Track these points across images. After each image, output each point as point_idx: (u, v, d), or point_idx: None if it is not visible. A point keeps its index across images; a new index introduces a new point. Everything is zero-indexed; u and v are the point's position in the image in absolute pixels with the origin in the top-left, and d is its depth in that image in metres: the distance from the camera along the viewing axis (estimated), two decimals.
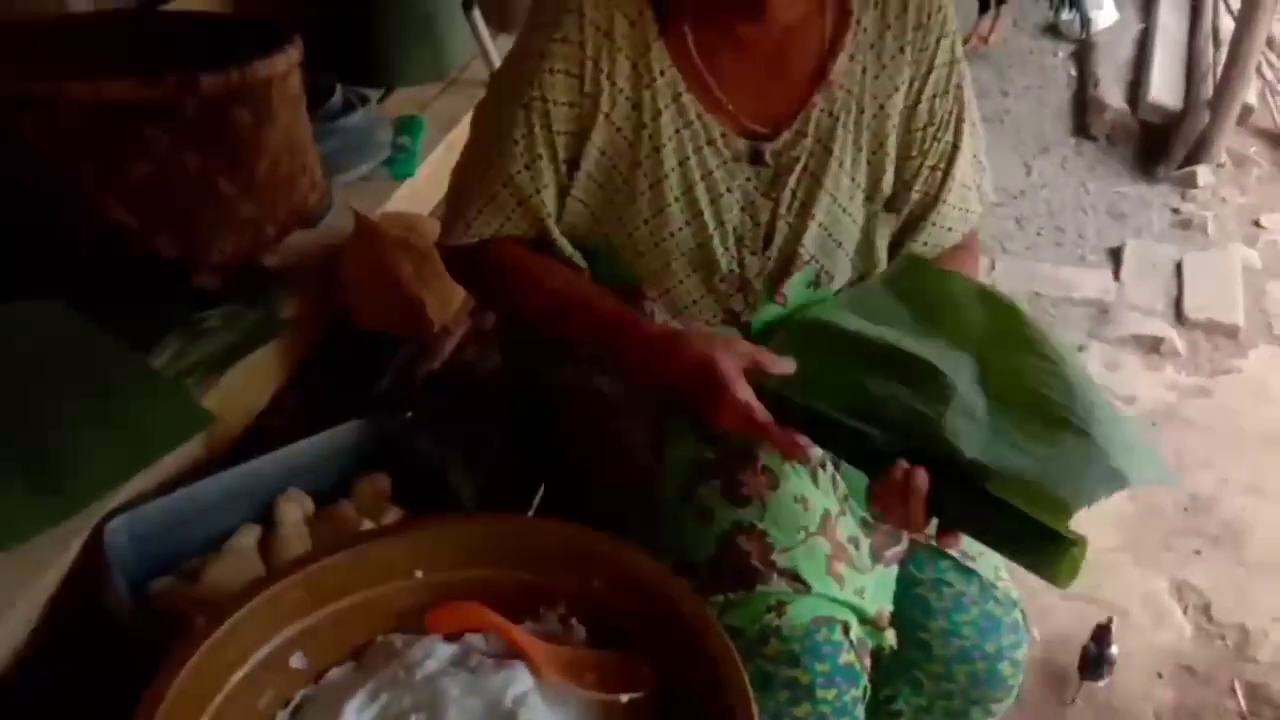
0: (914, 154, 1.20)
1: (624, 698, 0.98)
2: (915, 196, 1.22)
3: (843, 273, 1.24)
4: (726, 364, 1.04)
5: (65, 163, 1.26)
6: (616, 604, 1.04)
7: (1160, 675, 2.04)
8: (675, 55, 1.13)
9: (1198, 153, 3.52)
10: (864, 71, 1.16)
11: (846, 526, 1.15)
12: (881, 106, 1.17)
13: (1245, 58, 3.36)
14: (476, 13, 1.84)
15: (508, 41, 2.02)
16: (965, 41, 4.14)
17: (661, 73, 1.13)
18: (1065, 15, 4.26)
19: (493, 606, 1.04)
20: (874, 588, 1.14)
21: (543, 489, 1.39)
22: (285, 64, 1.34)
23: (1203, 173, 3.49)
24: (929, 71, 1.17)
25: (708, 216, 1.17)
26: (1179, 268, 3.10)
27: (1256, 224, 3.38)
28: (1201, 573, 2.23)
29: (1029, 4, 4.32)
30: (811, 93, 1.16)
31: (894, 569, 1.17)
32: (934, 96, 1.18)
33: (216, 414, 1.28)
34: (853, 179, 1.19)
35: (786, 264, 1.20)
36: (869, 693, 1.13)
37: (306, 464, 1.26)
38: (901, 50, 1.16)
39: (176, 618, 1.11)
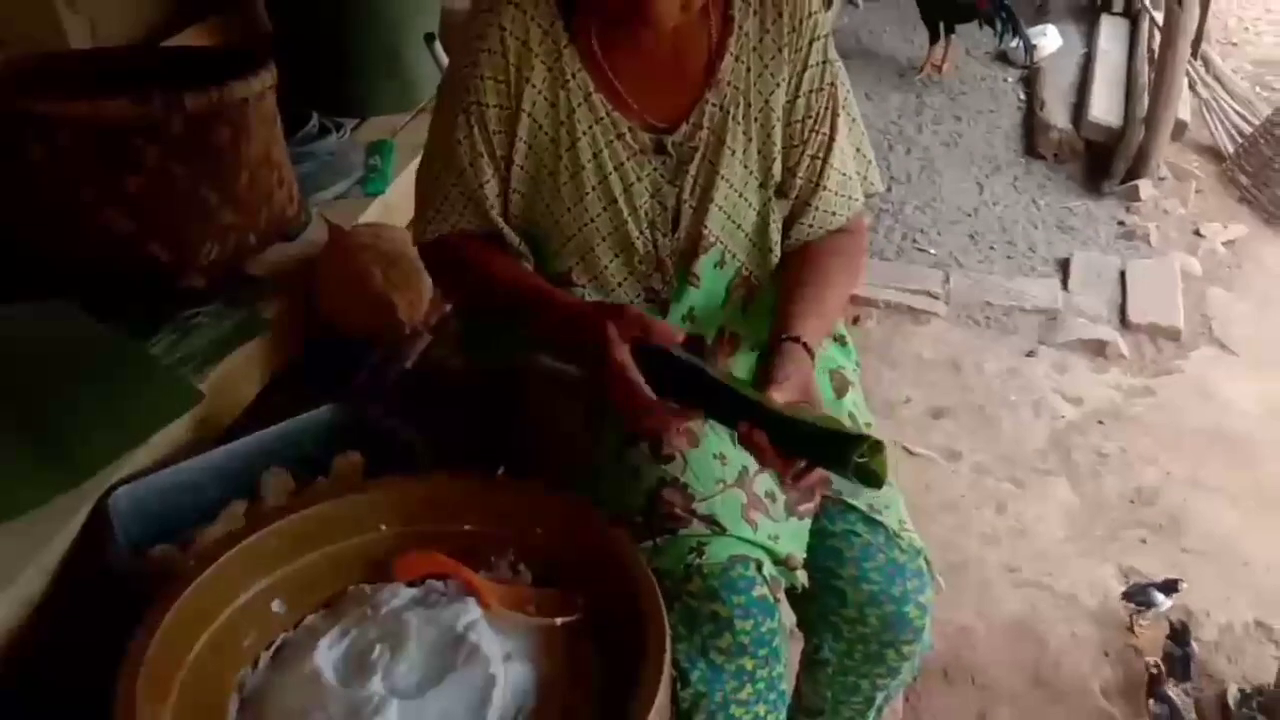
0: (796, 144, 1.34)
1: (558, 621, 1.11)
2: (799, 183, 1.36)
3: (744, 252, 1.38)
4: (611, 330, 1.13)
5: (67, 176, 1.40)
6: (555, 547, 1.17)
7: (1107, 654, 2.16)
8: (584, 60, 1.27)
9: (1138, 167, 3.70)
10: (748, 70, 1.30)
11: (764, 483, 1.28)
12: (766, 101, 1.31)
13: (1171, 75, 3.56)
14: (438, 44, 1.99)
15: None
16: (919, 69, 4.36)
17: (573, 75, 1.27)
18: (1010, 43, 4.45)
19: (449, 555, 1.16)
20: (787, 535, 1.27)
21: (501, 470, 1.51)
22: (260, 85, 1.49)
23: (1145, 186, 3.66)
24: (804, 70, 1.31)
25: (622, 203, 1.31)
26: (1123, 276, 3.26)
27: (1197, 233, 3.55)
28: (1146, 560, 2.35)
29: (979, 34, 4.50)
30: (704, 90, 1.30)
31: (807, 521, 1.30)
32: (809, 92, 1.32)
33: (208, 405, 1.42)
34: (745, 166, 1.33)
35: (694, 244, 1.34)
36: (783, 630, 1.26)
37: (287, 444, 1.39)
38: (780, 51, 1.30)
39: (172, 579, 1.24)
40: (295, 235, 1.70)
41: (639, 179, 1.31)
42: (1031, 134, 4.05)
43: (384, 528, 1.19)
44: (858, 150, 1.39)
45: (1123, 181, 3.71)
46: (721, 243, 1.35)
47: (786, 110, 1.33)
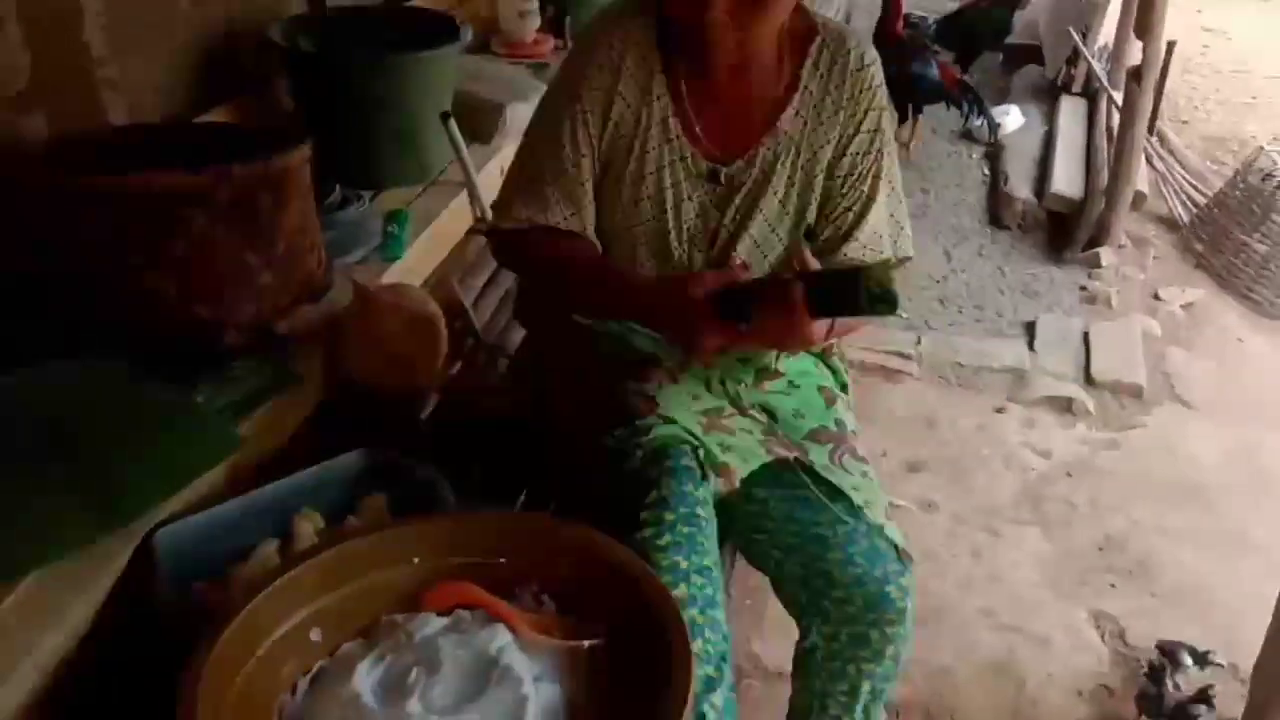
0: (836, 197, 1.48)
1: (585, 644, 1.16)
2: (831, 230, 1.50)
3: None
4: (693, 286, 1.31)
5: (118, 243, 1.47)
6: (576, 578, 1.23)
7: (1080, 693, 2.22)
8: (669, 88, 1.45)
9: (1099, 236, 3.84)
10: (805, 125, 1.46)
11: (737, 421, 1.48)
12: (814, 154, 1.46)
13: (1130, 150, 3.70)
14: (453, 122, 2.09)
15: (480, 149, 2.30)
16: None
17: (658, 97, 1.45)
18: (975, 122, 4.61)
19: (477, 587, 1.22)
20: (738, 451, 1.44)
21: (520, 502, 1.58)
22: (299, 158, 1.58)
23: (1105, 254, 3.80)
24: (855, 133, 1.46)
25: (669, 215, 1.48)
26: (1086, 337, 3.37)
27: (1156, 297, 3.68)
28: (1117, 603, 2.43)
29: (944, 114, 4.66)
30: (762, 135, 1.45)
31: (768, 457, 1.46)
32: (857, 154, 1.47)
33: (241, 454, 1.48)
34: (783, 206, 1.48)
35: (722, 263, 1.48)
36: (708, 507, 1.40)
37: (317, 487, 1.45)
38: (836, 113, 1.45)
39: (212, 614, 1.29)
40: (320, 296, 1.78)
41: (689, 198, 1.48)
42: (996, 206, 4.19)
43: (415, 561, 1.25)
44: (891, 216, 1.53)
45: (1084, 249, 3.84)
46: (745, 266, 1.48)
47: (831, 165, 1.47)
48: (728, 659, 1.32)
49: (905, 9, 4.53)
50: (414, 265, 2.00)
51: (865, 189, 1.48)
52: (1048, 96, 4.95)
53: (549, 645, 1.16)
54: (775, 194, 1.47)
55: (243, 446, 1.48)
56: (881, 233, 1.51)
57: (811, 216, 1.50)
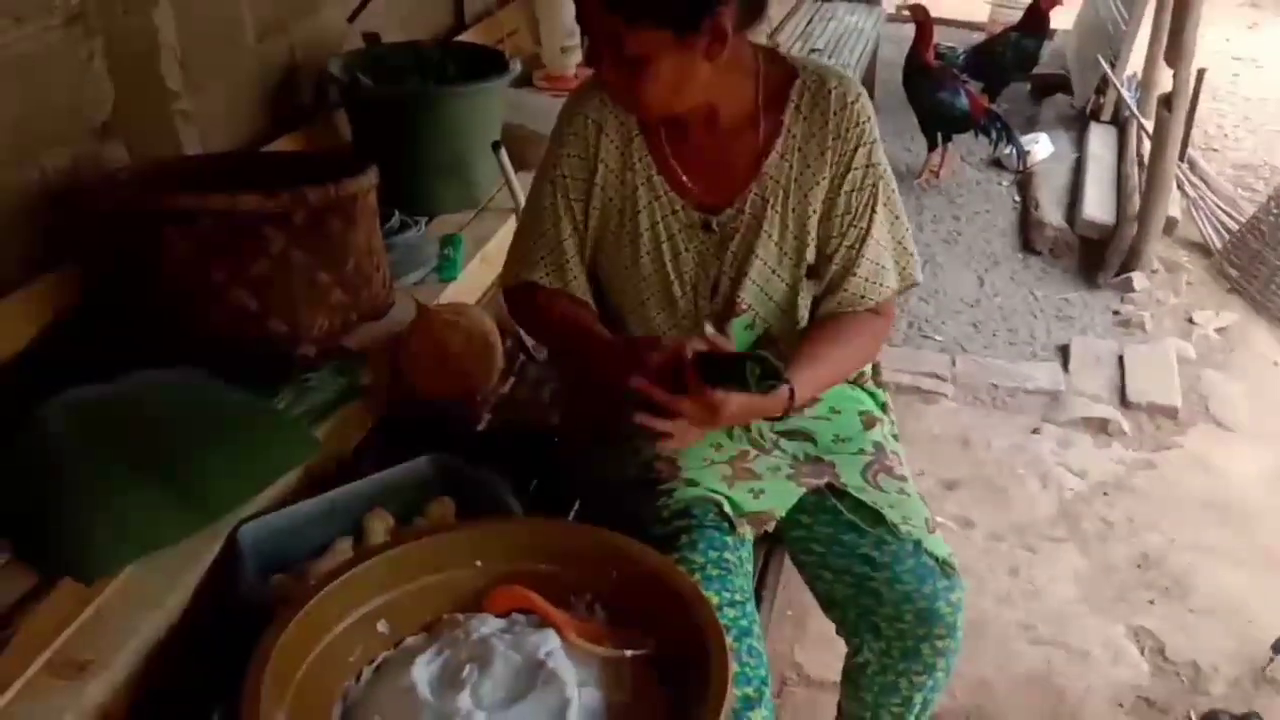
0: (834, 235, 1.52)
1: (627, 654, 1.24)
2: (834, 268, 1.54)
3: (773, 318, 1.58)
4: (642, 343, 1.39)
5: (202, 262, 1.59)
6: (628, 589, 1.30)
7: (1121, 706, 2.27)
8: (651, 147, 1.52)
9: (1131, 261, 3.90)
10: (791, 167, 1.50)
11: (762, 462, 1.54)
12: (805, 195, 1.51)
13: (1162, 176, 3.78)
14: (503, 151, 2.21)
15: (526, 177, 2.42)
16: (919, 175, 4.60)
17: (640, 159, 1.52)
18: (1004, 150, 4.70)
19: (534, 592, 1.30)
20: (772, 495, 1.51)
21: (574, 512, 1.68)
22: (367, 184, 1.70)
23: (1138, 278, 3.86)
24: (847, 171, 1.50)
25: (670, 268, 1.55)
26: (1121, 360, 3.43)
27: (1190, 320, 3.73)
28: (1155, 619, 2.48)
29: (974, 142, 4.75)
30: (749, 181, 1.51)
31: (803, 489, 1.53)
32: (850, 191, 1.50)
33: (316, 460, 1.59)
34: (780, 248, 1.53)
35: (729, 308, 1.55)
36: (740, 555, 1.46)
37: (388, 489, 1.55)
38: (823, 154, 1.49)
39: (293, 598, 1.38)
40: (384, 314, 1.89)
41: (686, 249, 1.54)
42: (1027, 232, 4.26)
43: (479, 563, 1.33)
44: (898, 243, 1.57)
45: (1117, 274, 3.91)
46: (753, 309, 1.56)
47: (826, 205, 1.51)
48: (767, 683, 1.38)
49: (935, 40, 4.64)
50: (468, 286, 2.12)
51: (863, 225, 1.51)
52: (1076, 125, 5.03)
53: (594, 652, 1.24)
54: (770, 237, 1.52)
55: (318, 451, 1.59)
56: (884, 264, 1.54)
57: (811, 256, 1.54)
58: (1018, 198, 4.59)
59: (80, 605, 1.30)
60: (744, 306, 1.55)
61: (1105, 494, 2.90)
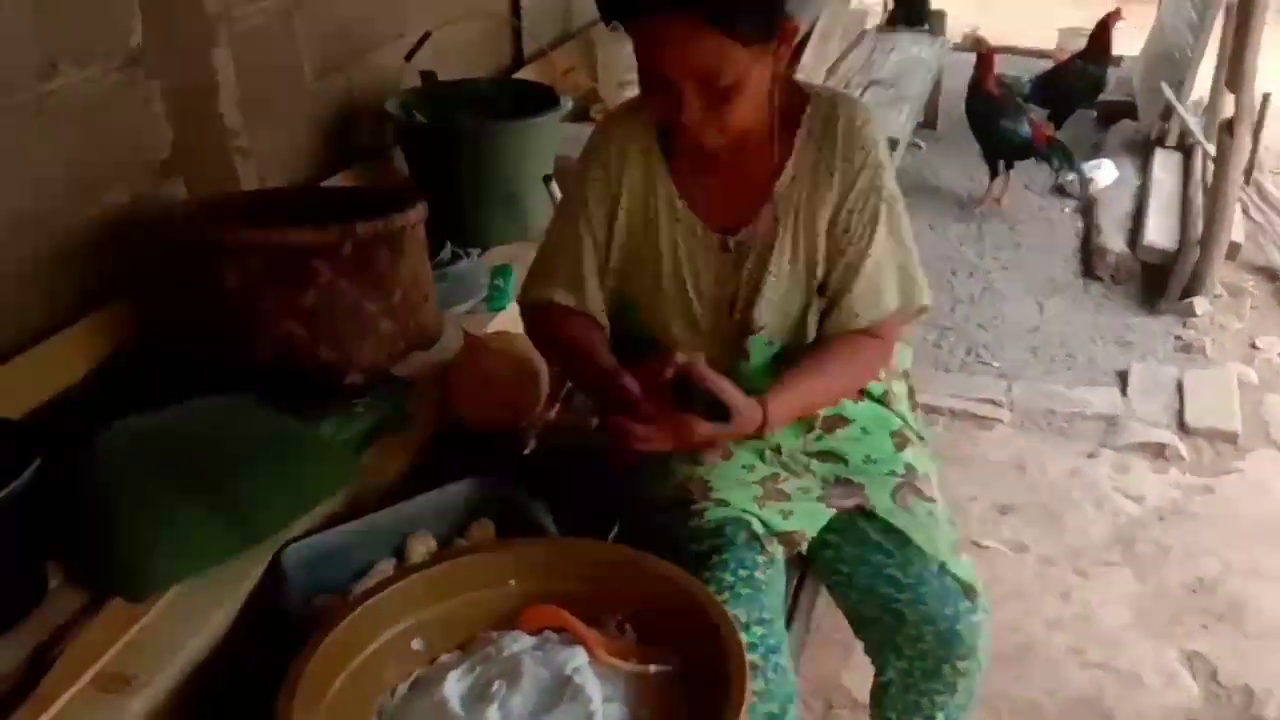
0: (836, 253, 1.54)
1: (651, 669, 1.25)
2: (832, 285, 1.56)
3: (790, 335, 1.59)
4: (627, 383, 1.40)
5: (253, 293, 1.63)
6: (656, 607, 1.30)
7: None
8: (671, 172, 1.55)
9: (1193, 286, 3.79)
10: (801, 189, 1.53)
11: (793, 484, 1.54)
12: (814, 214, 1.53)
13: (1224, 201, 3.66)
14: (554, 184, 2.22)
15: None
16: (980, 203, 4.53)
17: (663, 185, 1.55)
18: (1066, 177, 4.61)
19: (566, 610, 1.31)
20: (802, 516, 1.50)
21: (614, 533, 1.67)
22: (415, 217, 1.73)
23: (1200, 303, 3.74)
24: (850, 191, 1.52)
25: (690, 287, 1.56)
26: (1180, 385, 3.33)
27: (1253, 345, 3.60)
28: (1208, 644, 2.39)
29: (1036, 169, 4.67)
30: (764, 202, 1.53)
31: (832, 511, 1.53)
32: (851, 211, 1.52)
33: (361, 484, 1.61)
34: (792, 266, 1.54)
35: (747, 326, 1.57)
36: (770, 572, 1.46)
37: (430, 512, 1.57)
38: (831, 175, 1.52)
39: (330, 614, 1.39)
40: (433, 343, 1.91)
41: (705, 269, 1.56)
42: (1088, 258, 4.16)
43: (513, 583, 1.35)
44: (901, 268, 1.57)
45: (1179, 299, 3.80)
46: (770, 327, 1.56)
47: (830, 224, 1.53)
48: (793, 700, 1.37)
49: (999, 69, 4.57)
50: (517, 316, 2.12)
51: (862, 245, 1.53)
52: (1141, 151, 4.90)
53: (620, 669, 1.25)
54: (783, 256, 1.53)
55: (361, 476, 1.61)
56: (882, 286, 1.55)
57: (821, 275, 1.55)
58: (1080, 224, 4.49)
59: (128, 623, 1.34)
60: (760, 324, 1.56)
61: (1161, 519, 2.81)
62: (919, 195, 4.77)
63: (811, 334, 1.59)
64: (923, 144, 5.26)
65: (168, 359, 1.73)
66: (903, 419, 1.69)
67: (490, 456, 1.83)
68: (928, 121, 5.42)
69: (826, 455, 1.61)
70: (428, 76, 2.43)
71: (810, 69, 4.08)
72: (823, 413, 1.62)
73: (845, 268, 1.54)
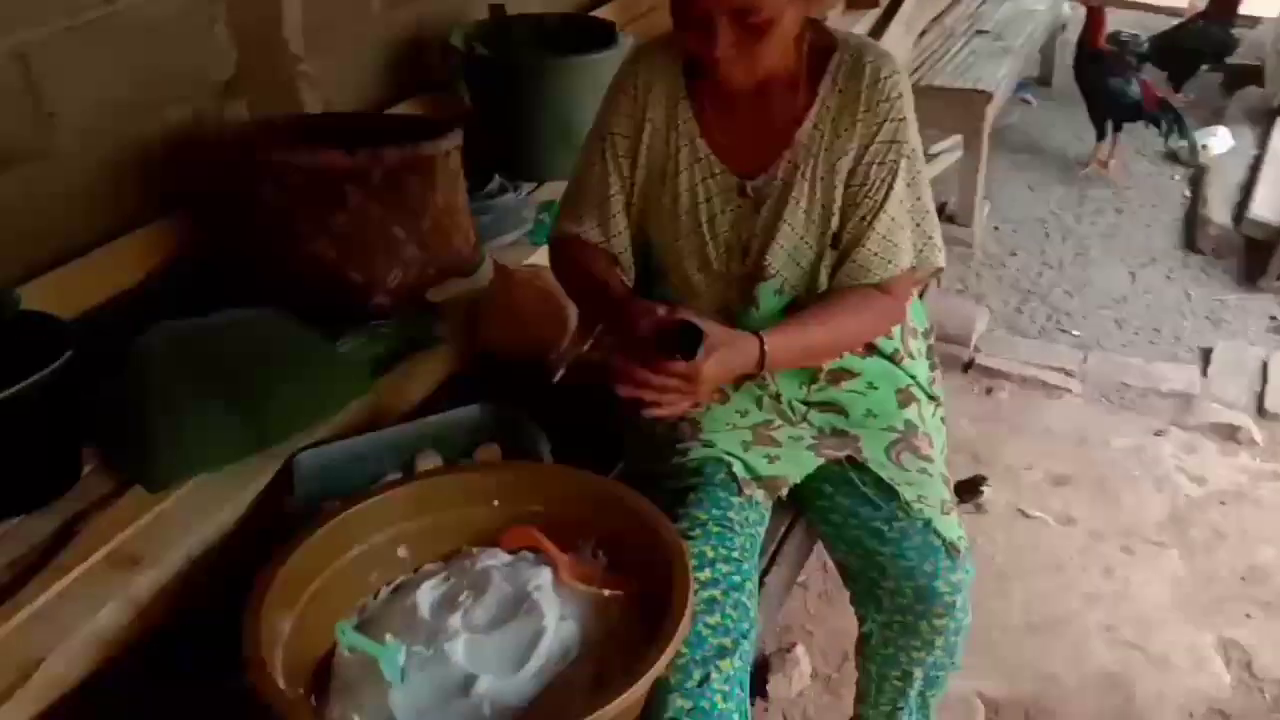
0: (851, 204, 1.54)
1: (605, 593, 1.32)
2: (846, 237, 1.56)
3: (801, 284, 1.60)
4: (634, 312, 1.42)
5: (289, 213, 1.73)
6: (624, 534, 1.37)
7: (1192, 715, 2.17)
8: (695, 110, 1.56)
9: None
10: (823, 136, 1.53)
11: (785, 432, 1.58)
12: (833, 165, 1.53)
13: None
14: None
15: None
16: (1085, 165, 4.39)
17: (684, 121, 1.56)
18: (1178, 142, 4.42)
19: (546, 533, 1.39)
20: (788, 462, 1.55)
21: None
22: (447, 147, 1.80)
23: None
24: (871, 143, 1.51)
25: (705, 229, 1.58)
26: (1265, 367, 3.21)
27: None
28: (1248, 633, 2.35)
29: (1148, 133, 4.49)
30: (782, 149, 1.54)
31: (820, 460, 1.57)
32: (871, 164, 1.52)
33: (383, 401, 1.71)
34: (808, 215, 1.55)
35: (759, 272, 1.58)
36: (745, 518, 1.49)
37: (440, 432, 1.65)
38: (853, 125, 1.51)
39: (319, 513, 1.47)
40: (471, 272, 1.99)
41: (722, 212, 1.57)
42: (1192, 229, 4.01)
43: (496, 503, 1.43)
44: (917, 225, 1.57)
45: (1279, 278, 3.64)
46: (782, 275, 1.58)
47: (848, 175, 1.53)
48: (747, 636, 1.40)
49: (1122, 25, 4.39)
50: None
51: (878, 198, 1.52)
52: (1264, 120, 4.66)
53: (578, 590, 1.32)
54: (799, 204, 1.54)
55: (381, 395, 1.71)
56: (896, 242, 1.54)
57: (836, 226, 1.56)
58: (1188, 193, 4.32)
59: (144, 510, 1.46)
60: (772, 271, 1.58)
61: (1222, 503, 2.74)
62: (1023, 153, 4.65)
63: (823, 286, 1.60)
64: (1033, 99, 5.11)
65: (213, 271, 1.84)
66: (912, 377, 1.70)
67: (514, 386, 1.92)
68: (1042, 78, 5.25)
69: (827, 406, 1.64)
70: (496, 10, 2.49)
71: (913, 17, 4.00)
72: (828, 365, 1.64)
73: (860, 221, 1.54)
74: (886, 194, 1.52)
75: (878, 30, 3.77)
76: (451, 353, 1.89)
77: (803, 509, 1.67)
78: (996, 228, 4.10)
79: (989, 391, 3.18)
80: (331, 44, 2.20)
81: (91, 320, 1.74)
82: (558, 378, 1.99)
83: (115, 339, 1.62)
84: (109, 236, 1.84)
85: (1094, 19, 4.28)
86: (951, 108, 3.73)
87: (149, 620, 1.37)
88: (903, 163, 1.53)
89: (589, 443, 1.74)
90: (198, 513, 1.47)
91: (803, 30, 1.50)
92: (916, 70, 3.90)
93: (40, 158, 1.74)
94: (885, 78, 1.51)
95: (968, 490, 2.68)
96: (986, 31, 4.34)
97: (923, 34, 4.19)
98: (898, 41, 3.77)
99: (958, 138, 3.90)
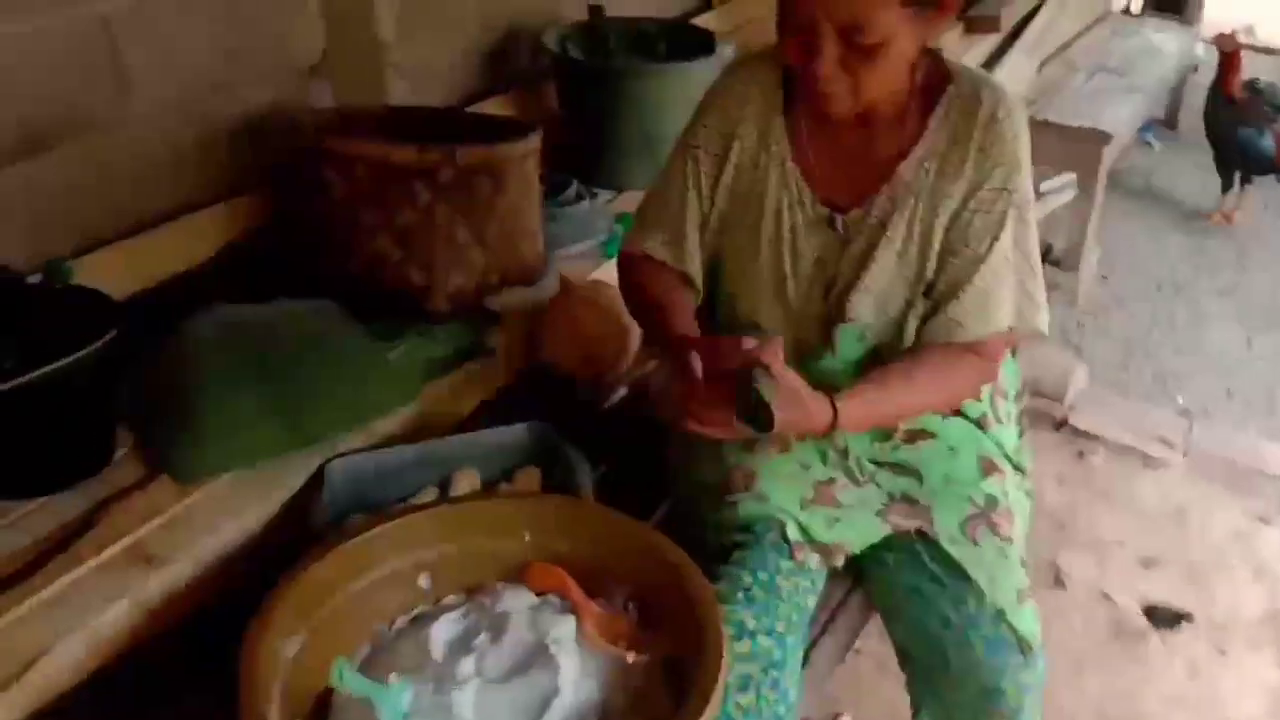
0: (949, 252, 1.42)
1: (629, 658, 1.22)
2: (940, 287, 1.43)
3: (887, 334, 1.47)
4: (691, 354, 1.29)
5: (354, 205, 1.68)
6: (659, 589, 1.28)
7: None
8: (790, 131, 1.46)
9: None
10: (927, 175, 1.41)
11: (851, 493, 1.46)
12: (935, 207, 1.41)
13: None
14: None
15: None
16: (1208, 217, 4.18)
17: (776, 142, 1.46)
18: None
19: (576, 575, 1.31)
20: (849, 528, 1.43)
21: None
22: (524, 150, 1.73)
23: None
24: (979, 189, 1.39)
25: (787, 260, 1.47)
26: None
27: None
28: None
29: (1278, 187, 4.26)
30: (880, 184, 1.42)
31: (887, 529, 1.44)
32: (977, 210, 1.40)
33: (429, 409, 1.65)
34: (901, 259, 1.43)
35: (840, 314, 1.46)
36: (796, 586, 1.38)
37: (481, 450, 1.58)
38: (962, 166, 1.39)
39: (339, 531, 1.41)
40: (535, 281, 1.93)
41: (806, 244, 1.47)
42: None
43: (527, 537, 1.34)
44: (1021, 283, 1.44)
45: None
46: (864, 320, 1.46)
47: (952, 220, 1.42)
48: None
49: (1250, 72, 4.18)
50: None
51: (981, 249, 1.40)
52: None
53: (601, 649, 1.23)
54: (893, 245, 1.43)
55: (427, 404, 1.65)
56: (994, 298, 1.41)
57: (930, 273, 1.44)
58: None
59: (169, 503, 1.42)
60: (854, 315, 1.46)
61: None
62: (1141, 199, 4.45)
63: (909, 338, 1.48)
64: (1156, 143, 4.89)
65: (275, 257, 1.81)
66: (999, 445, 1.57)
67: (569, 404, 1.85)
68: (1168, 120, 5.02)
69: (899, 468, 1.52)
70: (595, 10, 2.42)
71: (1035, 45, 3.84)
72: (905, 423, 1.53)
73: (957, 271, 1.42)
74: (990, 245, 1.40)
75: (997, 57, 3.63)
76: (505, 365, 1.82)
77: (860, 578, 1.55)
78: (1105, 276, 3.91)
79: (1081, 455, 3.01)
80: (423, 33, 2.16)
81: (149, 297, 1.71)
82: (613, 401, 1.92)
83: (168, 318, 1.60)
84: (175, 213, 1.82)
85: (1228, 63, 4.06)
86: (1067, 146, 3.56)
87: (156, 623, 1.32)
88: (1012, 212, 1.41)
89: (636, 474, 1.68)
90: (223, 513, 1.43)
91: (918, 57, 1.39)
92: (1034, 103, 3.74)
93: (114, 128, 1.73)
94: (1002, 118, 1.39)
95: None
96: (1112, 68, 4.16)
97: (1043, 64, 4.03)
98: (1018, 70, 3.62)
99: (1071, 176, 3.73)
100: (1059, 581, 2.55)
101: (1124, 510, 2.81)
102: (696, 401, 1.28)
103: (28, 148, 1.65)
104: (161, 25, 1.74)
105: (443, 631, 1.25)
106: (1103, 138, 3.53)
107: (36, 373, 1.30)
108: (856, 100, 1.34)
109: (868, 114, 1.40)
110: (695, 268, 1.54)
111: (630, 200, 2.28)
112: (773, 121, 1.46)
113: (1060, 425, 3.09)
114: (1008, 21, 3.72)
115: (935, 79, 1.42)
